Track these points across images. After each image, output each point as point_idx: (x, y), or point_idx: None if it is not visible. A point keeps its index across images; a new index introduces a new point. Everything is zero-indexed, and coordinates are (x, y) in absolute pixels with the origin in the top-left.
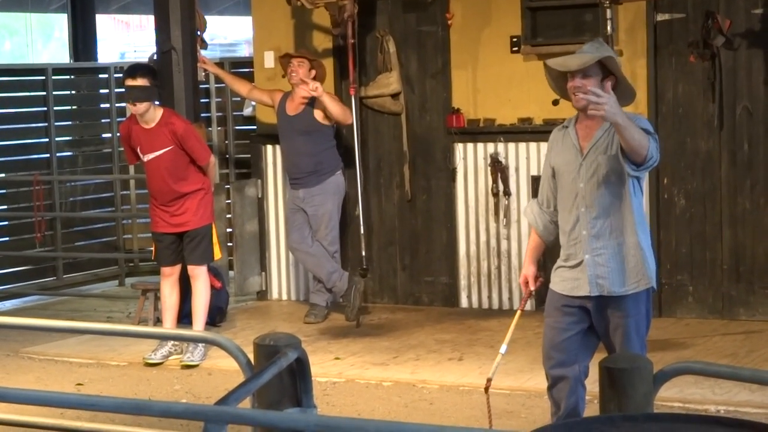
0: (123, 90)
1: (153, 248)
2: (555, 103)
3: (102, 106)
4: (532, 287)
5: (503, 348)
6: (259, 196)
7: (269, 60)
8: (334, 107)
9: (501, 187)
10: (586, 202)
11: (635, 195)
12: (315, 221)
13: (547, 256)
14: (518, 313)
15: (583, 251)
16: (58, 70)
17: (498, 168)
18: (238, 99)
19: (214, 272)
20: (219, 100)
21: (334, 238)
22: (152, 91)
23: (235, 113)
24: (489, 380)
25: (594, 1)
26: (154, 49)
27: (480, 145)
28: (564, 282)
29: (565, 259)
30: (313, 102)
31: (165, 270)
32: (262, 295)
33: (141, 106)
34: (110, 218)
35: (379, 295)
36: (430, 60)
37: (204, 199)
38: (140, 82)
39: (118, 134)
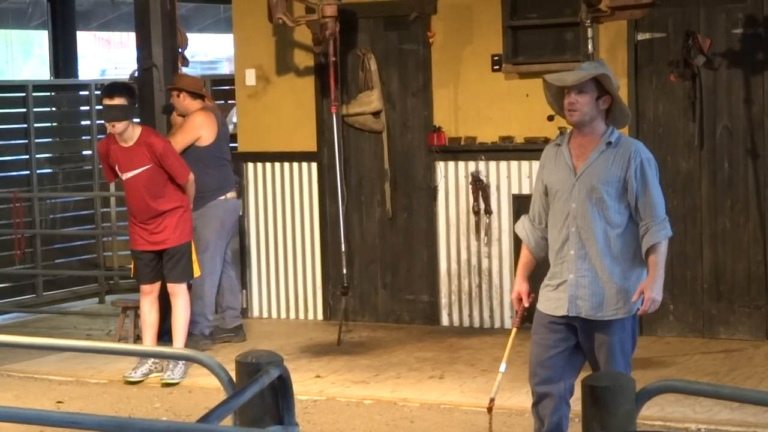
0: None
1: (132, 266)
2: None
3: (82, 123)
4: (525, 304)
5: (503, 367)
6: (240, 213)
7: (250, 78)
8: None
9: (482, 206)
10: (577, 223)
11: (629, 225)
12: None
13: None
14: (514, 330)
15: (568, 270)
16: (39, 86)
17: (479, 186)
18: None
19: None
20: None
21: (212, 269)
22: (130, 110)
23: None
24: (492, 400)
25: (575, 20)
26: (135, 66)
27: (461, 164)
28: (548, 302)
29: (551, 277)
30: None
31: (144, 288)
32: (243, 312)
33: (119, 126)
34: (90, 235)
35: (360, 314)
36: (412, 78)
37: (183, 217)
38: (117, 101)
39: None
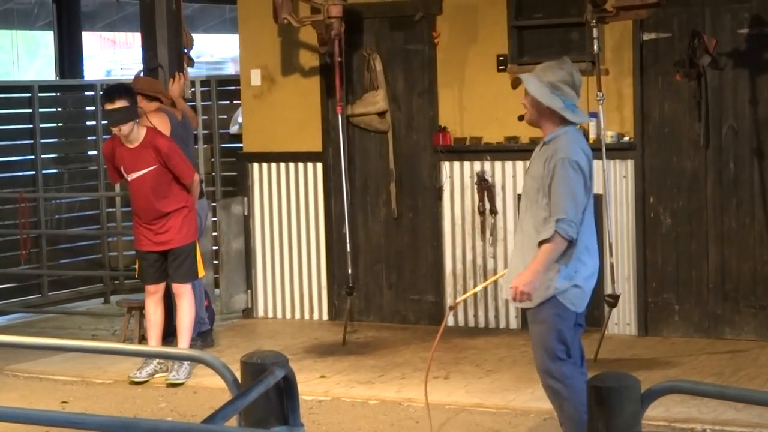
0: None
1: (137, 266)
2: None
3: (88, 123)
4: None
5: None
6: (245, 213)
7: (256, 78)
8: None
9: (487, 206)
10: (520, 215)
11: None
12: None
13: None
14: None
15: (516, 258)
16: (45, 87)
17: (484, 186)
18: (225, 117)
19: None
20: (205, 117)
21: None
22: (132, 111)
23: (221, 131)
24: (456, 303)
25: (580, 20)
26: (140, 66)
27: (466, 164)
28: None
29: None
30: None
31: (149, 288)
32: (248, 312)
33: (124, 128)
34: (95, 236)
35: (366, 314)
36: (417, 78)
37: (188, 218)
38: (119, 104)
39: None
